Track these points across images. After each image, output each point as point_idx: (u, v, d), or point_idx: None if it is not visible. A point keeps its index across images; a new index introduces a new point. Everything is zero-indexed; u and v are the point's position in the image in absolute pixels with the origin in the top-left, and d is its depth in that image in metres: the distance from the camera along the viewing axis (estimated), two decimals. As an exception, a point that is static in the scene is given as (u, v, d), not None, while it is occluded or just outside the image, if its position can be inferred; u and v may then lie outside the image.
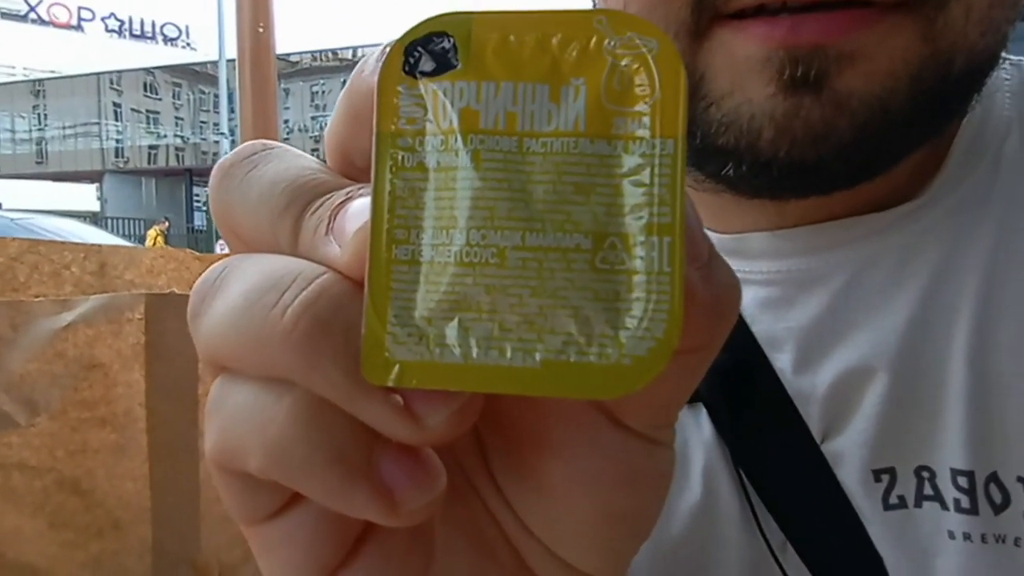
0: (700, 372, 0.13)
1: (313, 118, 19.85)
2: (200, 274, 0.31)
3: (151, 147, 23.90)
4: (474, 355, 0.11)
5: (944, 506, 0.27)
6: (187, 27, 32.02)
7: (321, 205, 0.13)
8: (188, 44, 31.92)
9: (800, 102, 0.23)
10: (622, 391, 0.11)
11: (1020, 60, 0.31)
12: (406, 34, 0.11)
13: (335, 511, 0.13)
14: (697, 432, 0.29)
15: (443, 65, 0.11)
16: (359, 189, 0.13)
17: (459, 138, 0.11)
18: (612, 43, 0.11)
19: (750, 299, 0.29)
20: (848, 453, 0.28)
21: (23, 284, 0.26)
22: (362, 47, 19.60)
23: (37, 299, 0.21)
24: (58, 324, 0.19)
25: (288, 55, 21.50)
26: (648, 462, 0.14)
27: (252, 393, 0.13)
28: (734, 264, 0.29)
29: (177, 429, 0.20)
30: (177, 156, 23.83)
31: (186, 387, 0.21)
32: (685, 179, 0.11)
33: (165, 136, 24.14)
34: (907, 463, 0.28)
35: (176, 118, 24.07)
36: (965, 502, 0.27)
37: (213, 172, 0.15)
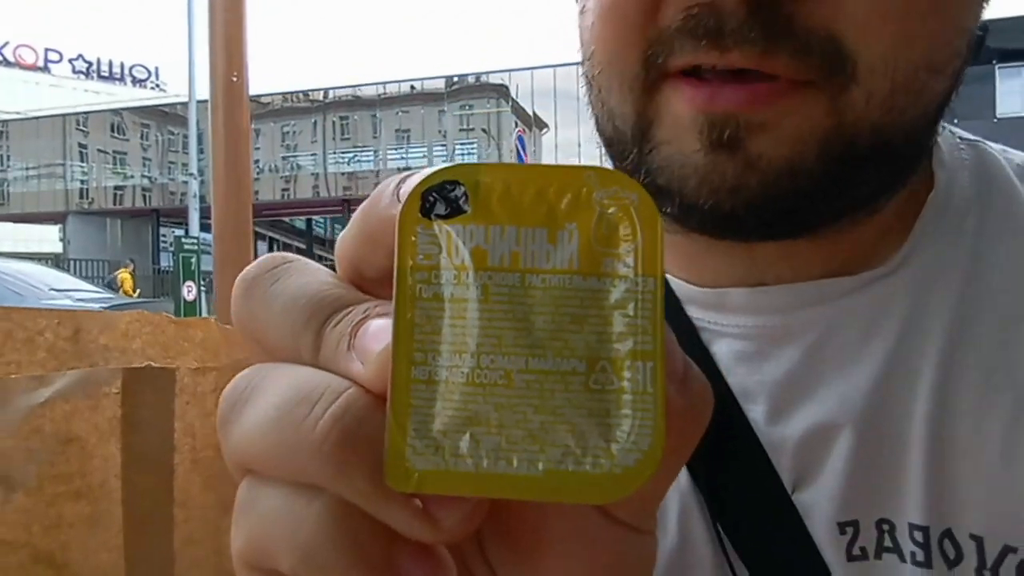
0: (679, 468, 0.15)
1: (284, 158, 19.79)
2: (176, 338, 0.32)
3: (117, 188, 23.47)
4: (484, 465, 0.12)
5: (902, 558, 0.28)
6: (156, 68, 31.90)
7: (341, 320, 0.14)
8: (157, 85, 31.73)
9: (718, 159, 0.26)
10: (614, 496, 0.12)
11: (976, 140, 0.34)
12: (422, 181, 0.13)
13: None
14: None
15: (455, 209, 0.13)
16: (375, 307, 0.14)
17: (471, 274, 0.13)
18: (599, 194, 0.13)
19: (726, 351, 0.30)
20: (817, 505, 0.29)
21: (-5, 351, 0.27)
22: (333, 88, 19.73)
23: (13, 376, 0.21)
24: (35, 400, 0.19)
25: (259, 96, 21.53)
26: (634, 549, 0.16)
27: (282, 497, 0.14)
28: (714, 317, 0.30)
29: (152, 500, 0.21)
30: (144, 197, 23.43)
31: (162, 459, 0.21)
32: (664, 310, 0.13)
33: (132, 177, 23.74)
34: (869, 516, 0.29)
35: (144, 159, 23.74)
36: (920, 555, 0.28)
37: (236, 283, 0.16)
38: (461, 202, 0.13)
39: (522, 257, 0.13)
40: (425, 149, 19.03)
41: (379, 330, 0.13)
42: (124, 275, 12.00)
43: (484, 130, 19.15)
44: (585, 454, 0.12)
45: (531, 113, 19.69)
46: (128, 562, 0.20)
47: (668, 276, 0.33)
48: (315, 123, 19.40)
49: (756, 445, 0.29)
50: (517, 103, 19.27)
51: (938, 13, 0.26)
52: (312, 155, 19.47)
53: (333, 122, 19.71)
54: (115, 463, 0.19)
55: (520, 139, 14.07)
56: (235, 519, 0.15)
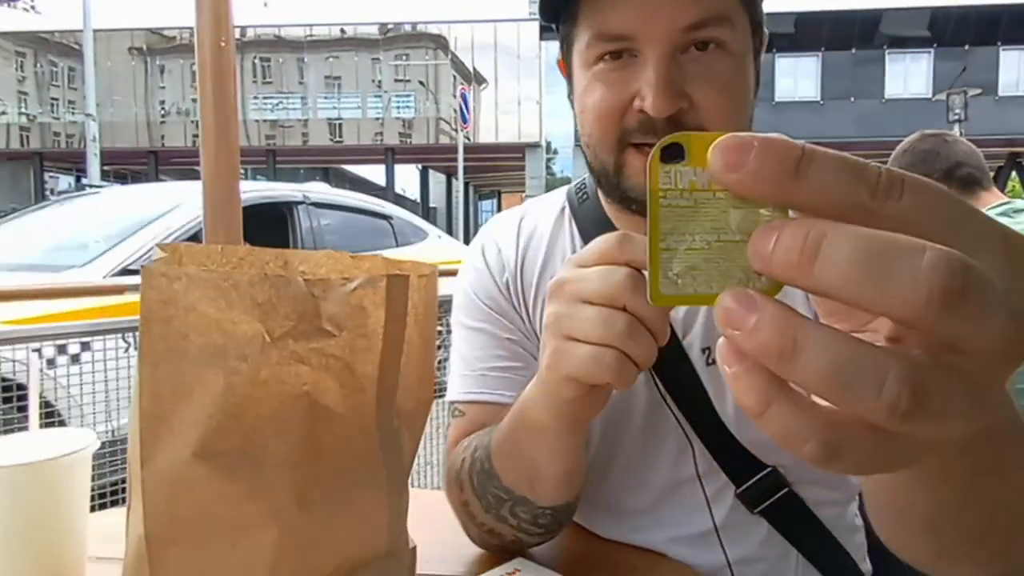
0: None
1: (195, 101, 18.74)
2: (349, 266, 0.54)
3: (-15, 125, 21.45)
4: (696, 289, 0.22)
5: None
6: (32, -14, 29.13)
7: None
8: (32, 7, 29.07)
9: None
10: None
11: None
12: (662, 142, 0.22)
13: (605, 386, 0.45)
14: None
15: (678, 157, 0.22)
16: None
17: (688, 193, 0.22)
18: None
19: None
20: (692, 344, 0.63)
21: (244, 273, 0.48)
22: (251, 26, 18.82)
23: (334, 277, 0.43)
24: (346, 289, 0.40)
25: (161, 29, 20.18)
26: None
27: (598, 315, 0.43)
28: None
29: (395, 340, 0.43)
30: (22, 137, 21.57)
31: (401, 318, 0.43)
32: None
33: (5, 113, 21.67)
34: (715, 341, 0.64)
35: (20, 92, 21.67)
36: None
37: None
38: (681, 153, 0.22)
39: (713, 185, 0.22)
40: (358, 99, 18.64)
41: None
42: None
43: (421, 82, 18.92)
44: (747, 284, 0.22)
45: (471, 68, 19.60)
46: (380, 370, 0.42)
47: None
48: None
49: (677, 341, 0.63)
50: (456, 56, 19.14)
51: (740, 112, 0.59)
52: (230, 100, 18.66)
53: (253, 63, 18.91)
54: (380, 320, 0.41)
55: (464, 96, 14.08)
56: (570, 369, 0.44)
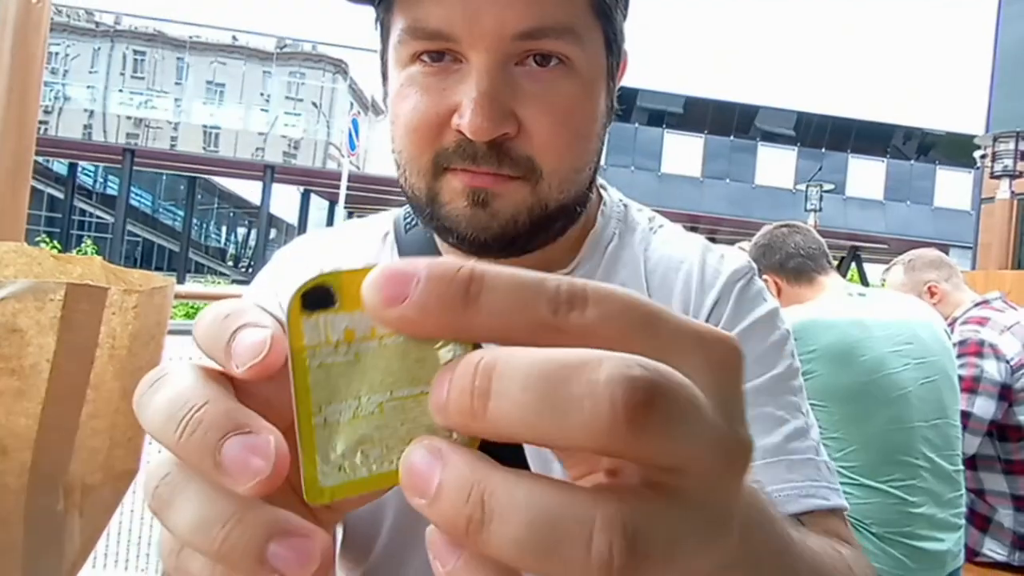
0: None
1: (46, 84, 17.00)
2: (52, 271, 0.39)
3: None
4: (375, 468, 0.18)
5: None
6: None
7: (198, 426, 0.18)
8: None
9: (476, 212, 0.50)
10: None
11: (628, 201, 0.64)
12: (302, 287, 0.18)
13: None
14: None
15: (327, 303, 0.18)
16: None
17: (345, 346, 0.18)
18: None
19: None
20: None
21: None
22: (129, 15, 17.56)
23: None
24: None
25: (20, -1, 18.27)
26: None
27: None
28: None
29: (71, 381, 0.29)
30: None
31: (86, 351, 0.30)
32: None
33: None
34: None
35: None
36: None
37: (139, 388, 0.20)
38: (331, 298, 0.18)
39: (376, 328, 0.18)
40: (242, 109, 17.74)
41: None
42: None
43: (314, 103, 18.43)
44: None
45: (369, 97, 19.40)
46: (40, 427, 0.29)
47: None
48: (98, 50, 17.10)
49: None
50: (355, 83, 18.89)
51: (582, 144, 0.52)
52: (89, 87, 17.05)
53: (124, 55, 17.56)
54: (48, 351, 0.28)
55: (354, 122, 13.82)
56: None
